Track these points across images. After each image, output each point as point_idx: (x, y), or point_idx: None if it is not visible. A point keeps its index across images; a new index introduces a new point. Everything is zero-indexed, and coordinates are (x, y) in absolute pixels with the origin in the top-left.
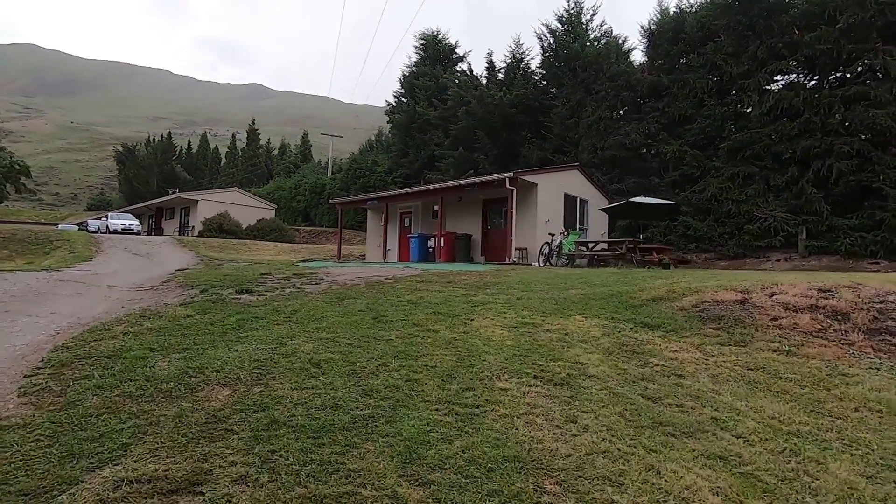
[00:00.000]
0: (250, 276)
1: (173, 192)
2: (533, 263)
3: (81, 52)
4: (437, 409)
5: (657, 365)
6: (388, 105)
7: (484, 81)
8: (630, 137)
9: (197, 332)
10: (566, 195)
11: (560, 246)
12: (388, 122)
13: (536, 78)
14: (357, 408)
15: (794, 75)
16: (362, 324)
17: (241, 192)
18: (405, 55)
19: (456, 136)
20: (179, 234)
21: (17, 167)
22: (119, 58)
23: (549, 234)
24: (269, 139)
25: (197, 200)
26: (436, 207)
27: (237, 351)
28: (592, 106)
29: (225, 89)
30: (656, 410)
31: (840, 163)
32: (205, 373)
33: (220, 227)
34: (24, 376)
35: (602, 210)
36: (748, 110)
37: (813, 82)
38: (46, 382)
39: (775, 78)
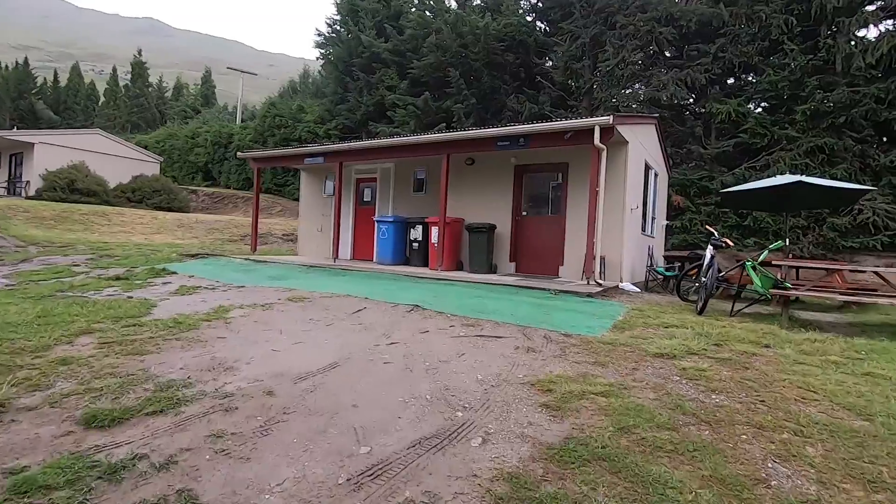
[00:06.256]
0: None
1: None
2: (621, 285)
3: None
4: None
5: None
6: (319, 35)
7: (454, 5)
8: (668, 90)
9: None
10: (646, 165)
11: (713, 266)
12: (318, 59)
13: (527, 6)
14: None
15: None
16: None
17: (105, 135)
18: None
19: (417, 78)
20: (8, 194)
21: None
22: None
23: (713, 237)
24: (160, 75)
25: (33, 144)
26: (419, 175)
27: None
28: (615, 45)
29: (112, 21)
30: None
31: None
32: None
33: (72, 186)
34: None
35: (724, 193)
36: (843, 63)
37: None
38: None
39: (886, 19)
